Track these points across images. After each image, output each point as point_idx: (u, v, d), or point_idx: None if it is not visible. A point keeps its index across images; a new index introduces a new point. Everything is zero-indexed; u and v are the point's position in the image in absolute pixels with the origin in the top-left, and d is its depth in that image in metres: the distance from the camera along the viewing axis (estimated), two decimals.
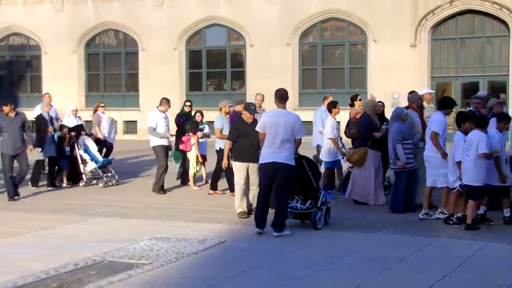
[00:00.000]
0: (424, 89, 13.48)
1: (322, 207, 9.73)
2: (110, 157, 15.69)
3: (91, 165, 14.57)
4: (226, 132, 12.07)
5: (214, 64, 29.46)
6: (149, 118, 13.57)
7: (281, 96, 9.26)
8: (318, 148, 13.28)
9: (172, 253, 8.02)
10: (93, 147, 14.86)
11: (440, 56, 26.02)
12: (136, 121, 29.37)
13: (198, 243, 8.57)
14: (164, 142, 13.48)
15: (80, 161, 14.50)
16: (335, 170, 12.99)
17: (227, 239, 8.81)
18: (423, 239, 8.82)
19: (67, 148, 14.42)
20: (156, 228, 9.71)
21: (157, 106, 13.65)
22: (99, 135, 15.87)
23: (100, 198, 12.75)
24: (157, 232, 9.28)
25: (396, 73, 25.34)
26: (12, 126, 12.62)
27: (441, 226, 9.93)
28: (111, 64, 31.11)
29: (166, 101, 13.71)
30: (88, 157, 14.63)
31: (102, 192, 13.66)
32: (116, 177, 14.71)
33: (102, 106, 16.61)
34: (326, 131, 12.61)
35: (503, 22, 24.80)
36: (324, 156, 12.71)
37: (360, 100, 13.46)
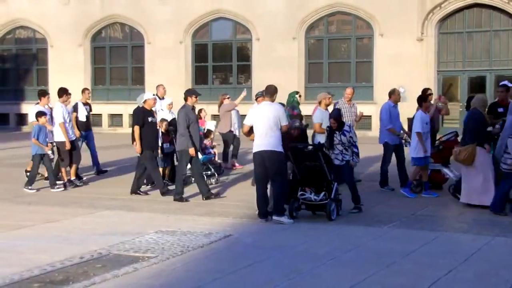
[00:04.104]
0: (504, 82, 12.51)
1: (335, 198, 9.87)
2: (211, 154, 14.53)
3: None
4: (325, 126, 11.73)
5: (220, 57, 29.43)
6: (251, 111, 13.01)
7: (269, 91, 9.97)
8: (386, 145, 12.57)
9: (177, 247, 8.03)
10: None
11: (447, 50, 25.92)
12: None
13: (204, 237, 8.57)
14: None
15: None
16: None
17: (232, 233, 8.82)
18: (429, 234, 8.80)
19: (166, 145, 13.18)
20: (162, 221, 9.72)
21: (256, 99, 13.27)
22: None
23: (105, 191, 12.75)
24: (163, 226, 9.29)
25: (403, 67, 25.26)
26: (196, 120, 11.66)
27: (447, 221, 9.91)
28: (117, 58, 31.13)
29: (260, 92, 13.48)
30: None
31: (106, 185, 13.64)
32: (216, 175, 13.70)
33: (228, 98, 16.12)
34: (414, 125, 11.80)
35: (511, 15, 24.67)
36: (413, 152, 11.83)
37: (430, 94, 12.93)
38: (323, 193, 9.81)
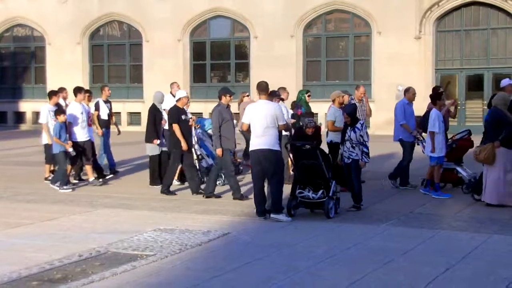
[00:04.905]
0: (505, 80, 12.51)
1: (333, 196, 9.89)
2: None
3: (207, 161, 13.28)
4: (338, 124, 11.79)
5: (218, 55, 29.43)
6: None
7: (262, 88, 9.91)
8: (401, 142, 12.55)
9: (176, 245, 8.04)
10: (209, 141, 13.47)
11: (445, 48, 25.93)
12: (140, 113, 29.39)
13: (202, 235, 8.59)
14: (287, 132, 12.55)
15: (195, 157, 13.08)
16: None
17: (230, 231, 8.83)
18: (426, 232, 8.82)
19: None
20: (160, 219, 9.73)
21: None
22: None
23: (102, 190, 12.75)
24: (161, 224, 9.31)
25: (401, 65, 25.29)
26: (231, 119, 11.54)
27: (445, 219, 9.93)
28: (115, 56, 31.11)
29: (283, 90, 13.23)
30: (204, 152, 13.31)
31: (104, 184, 13.63)
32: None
33: (247, 96, 15.82)
34: (431, 124, 11.61)
35: (508, 14, 24.69)
36: (429, 151, 11.67)
37: (442, 93, 12.78)
38: (321, 191, 9.82)
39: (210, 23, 29.12)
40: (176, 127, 11.86)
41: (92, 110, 14.37)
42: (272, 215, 9.58)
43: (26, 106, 31.85)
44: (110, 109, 14.99)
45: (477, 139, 12.28)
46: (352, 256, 7.58)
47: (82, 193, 12.32)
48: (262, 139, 9.62)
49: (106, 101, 14.98)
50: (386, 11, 25.70)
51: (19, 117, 32.21)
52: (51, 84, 30.90)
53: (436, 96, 12.05)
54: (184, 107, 12.34)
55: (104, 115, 14.71)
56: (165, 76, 28.47)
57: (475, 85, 25.58)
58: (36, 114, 31.46)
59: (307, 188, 9.94)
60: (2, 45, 33.31)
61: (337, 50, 27.90)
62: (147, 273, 6.87)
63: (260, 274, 6.83)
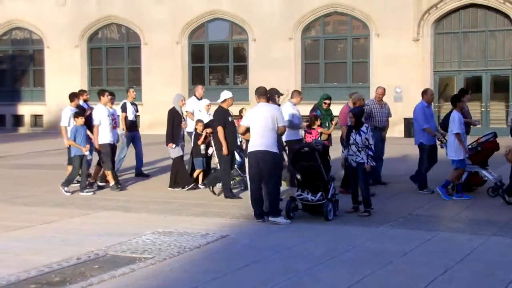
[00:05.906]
0: None
1: (332, 199, 9.88)
2: None
3: None
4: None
5: (217, 58, 29.45)
6: (283, 112, 11.81)
7: (260, 93, 9.99)
8: (421, 146, 12.37)
9: (174, 247, 8.03)
10: None
11: (443, 50, 25.97)
12: (138, 115, 29.31)
13: (201, 237, 8.58)
14: (298, 135, 12.56)
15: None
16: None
17: (229, 233, 8.82)
18: (425, 233, 8.82)
19: (202, 146, 12.86)
20: (158, 222, 9.72)
21: (289, 99, 12.93)
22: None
23: (101, 193, 12.74)
24: (159, 226, 9.30)
25: (399, 67, 25.31)
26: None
27: (444, 221, 9.94)
28: (113, 58, 31.13)
29: (297, 93, 13.09)
30: None
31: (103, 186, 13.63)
32: None
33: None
34: (452, 126, 11.45)
35: (506, 16, 24.73)
36: (453, 154, 11.51)
37: (470, 93, 12.56)
38: (320, 193, 9.82)
39: (208, 25, 29.14)
40: (220, 130, 11.53)
41: (119, 112, 14.26)
42: (270, 218, 9.56)
43: (25, 109, 31.85)
44: (136, 111, 14.99)
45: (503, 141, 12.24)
46: (351, 258, 7.58)
47: (81, 196, 12.29)
48: (261, 140, 9.61)
49: (132, 103, 14.93)
50: (384, 13, 25.73)
51: (18, 120, 32.20)
52: (50, 87, 31.00)
53: (456, 98, 11.88)
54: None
55: (131, 117, 14.68)
56: (164, 78, 28.54)
57: (473, 87, 25.57)
58: (35, 117, 31.58)
59: (306, 190, 9.94)
60: (1, 48, 33.34)
61: (335, 52, 27.93)
62: (145, 276, 6.87)
63: (259, 276, 6.83)
